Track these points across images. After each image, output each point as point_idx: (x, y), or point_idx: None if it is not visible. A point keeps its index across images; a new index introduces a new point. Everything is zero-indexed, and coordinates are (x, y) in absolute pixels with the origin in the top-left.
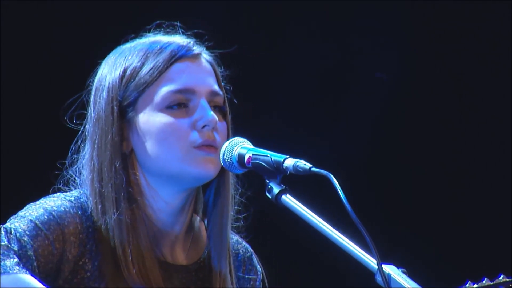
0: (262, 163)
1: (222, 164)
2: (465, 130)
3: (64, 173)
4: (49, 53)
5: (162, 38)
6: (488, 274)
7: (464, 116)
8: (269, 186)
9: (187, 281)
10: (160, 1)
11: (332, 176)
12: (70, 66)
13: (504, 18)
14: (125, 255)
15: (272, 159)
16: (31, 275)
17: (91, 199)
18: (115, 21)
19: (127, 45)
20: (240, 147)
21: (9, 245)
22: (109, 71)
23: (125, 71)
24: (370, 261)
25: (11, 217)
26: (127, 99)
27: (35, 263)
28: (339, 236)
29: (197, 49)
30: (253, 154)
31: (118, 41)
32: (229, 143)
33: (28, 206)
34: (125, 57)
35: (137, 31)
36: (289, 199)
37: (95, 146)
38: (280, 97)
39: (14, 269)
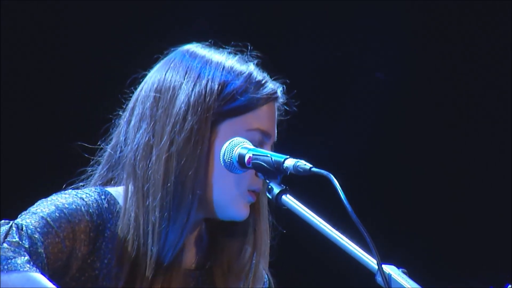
0: (263, 163)
1: (222, 164)
2: (465, 130)
3: (88, 169)
4: (49, 52)
5: (253, 68)
6: (488, 274)
7: (464, 116)
8: (270, 186)
9: (196, 286)
10: (160, 1)
11: (332, 176)
12: (70, 66)
13: (505, 18)
14: (144, 258)
15: (272, 159)
16: (41, 273)
17: (132, 215)
18: (115, 21)
19: (209, 51)
20: (240, 147)
21: (20, 242)
22: (199, 71)
23: (226, 83)
24: (370, 261)
25: (22, 213)
26: (218, 114)
27: (45, 261)
28: (339, 236)
29: (281, 98)
30: (253, 154)
31: (117, 41)
32: (229, 143)
33: (39, 202)
34: (220, 65)
35: (137, 31)
36: (289, 199)
37: (176, 152)
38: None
39: (25, 267)
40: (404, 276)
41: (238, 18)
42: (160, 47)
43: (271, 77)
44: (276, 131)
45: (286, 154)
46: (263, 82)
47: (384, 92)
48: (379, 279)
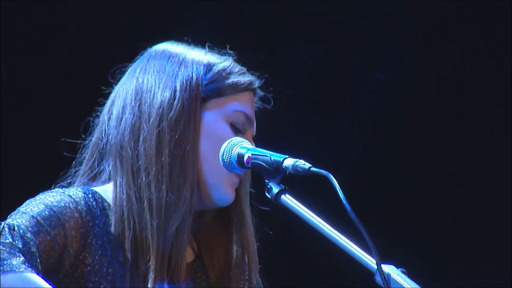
0: (262, 163)
1: (222, 164)
2: (465, 130)
3: (72, 169)
4: (48, 53)
5: (232, 60)
6: (488, 274)
7: (464, 116)
8: (269, 186)
9: (192, 279)
10: (160, 1)
11: (331, 176)
12: (70, 66)
13: (505, 18)
14: (145, 235)
15: (272, 159)
16: (36, 273)
17: (123, 196)
18: (115, 20)
19: (188, 48)
20: (239, 146)
21: (14, 243)
22: (181, 61)
23: (211, 66)
24: (370, 261)
25: (12, 213)
26: (205, 93)
27: (38, 260)
28: (338, 236)
29: (259, 92)
30: (252, 154)
31: (117, 41)
32: (228, 143)
33: (28, 201)
34: (205, 54)
35: (137, 31)
36: (288, 199)
37: (166, 131)
38: (280, 97)
39: (20, 268)
40: (403, 276)
41: (238, 18)
42: (137, 47)
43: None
44: (254, 124)
45: (285, 154)
46: (242, 71)
47: (384, 92)
48: (378, 279)
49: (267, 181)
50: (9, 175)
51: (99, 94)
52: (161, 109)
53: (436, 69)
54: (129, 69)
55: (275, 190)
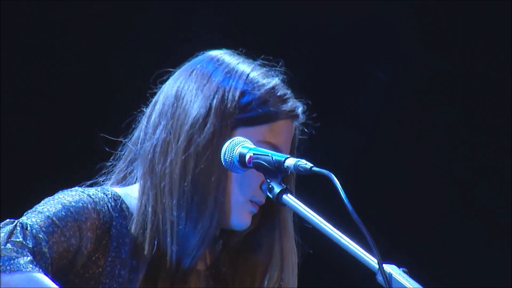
0: (263, 163)
1: (223, 163)
2: (465, 130)
3: (108, 163)
4: (48, 52)
5: (277, 82)
6: (488, 274)
7: (464, 116)
8: (270, 186)
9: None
10: (160, 1)
11: (333, 175)
12: (70, 66)
13: (505, 18)
14: (164, 256)
15: (273, 159)
16: (44, 273)
17: (149, 209)
18: (114, 20)
19: (237, 60)
20: (241, 146)
21: (24, 242)
22: (223, 76)
23: (243, 93)
24: (371, 260)
25: (28, 211)
26: (235, 121)
27: (49, 260)
28: (340, 236)
29: (301, 118)
30: (254, 154)
31: (117, 41)
32: (230, 142)
33: (45, 200)
34: (244, 74)
35: (137, 31)
36: (290, 199)
37: (196, 150)
38: None
39: (27, 267)
40: (405, 275)
41: (238, 18)
42: (182, 48)
43: (296, 95)
44: (289, 148)
45: (287, 154)
46: (284, 97)
47: (384, 92)
48: (380, 278)
49: (268, 180)
50: (30, 172)
51: (124, 91)
52: (191, 132)
53: (436, 69)
54: (177, 71)
55: (277, 189)
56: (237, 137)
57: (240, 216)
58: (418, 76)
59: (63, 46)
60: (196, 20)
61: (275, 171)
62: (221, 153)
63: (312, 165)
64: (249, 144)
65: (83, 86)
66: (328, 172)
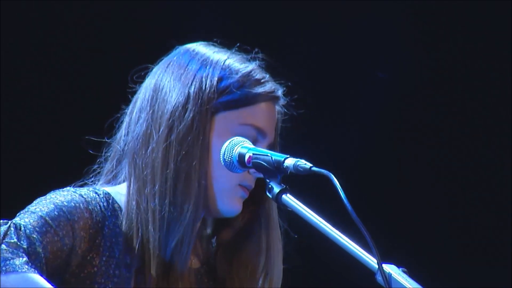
0: (263, 163)
1: (223, 163)
2: (465, 130)
3: (96, 166)
4: (48, 52)
5: (254, 67)
6: (488, 274)
7: (464, 116)
8: (270, 186)
9: (198, 285)
10: (160, 1)
11: (332, 175)
12: (77, 64)
13: (506, 18)
14: (148, 246)
15: (273, 159)
16: (40, 273)
17: (133, 202)
18: (114, 20)
19: (212, 50)
20: (240, 146)
21: (18, 243)
22: (199, 65)
23: (228, 73)
24: (371, 260)
25: (21, 212)
26: (214, 106)
27: (43, 260)
28: (339, 236)
29: (281, 100)
30: (253, 154)
31: (116, 41)
32: (229, 142)
33: (38, 200)
34: (220, 61)
35: (136, 30)
36: (289, 199)
37: (177, 140)
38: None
39: (23, 268)
40: (405, 275)
41: (237, 18)
42: (168, 45)
43: (274, 79)
44: (274, 132)
45: (286, 154)
46: (262, 80)
47: (384, 92)
48: (379, 278)
49: (268, 180)
50: (23, 172)
51: (105, 92)
52: (171, 120)
53: (436, 69)
54: (154, 68)
55: (276, 189)
56: (236, 137)
57: (231, 202)
58: (418, 76)
59: (51, 48)
60: (196, 20)
61: (274, 171)
62: (221, 153)
63: (311, 165)
64: (249, 144)
65: (83, 86)
66: (328, 172)
